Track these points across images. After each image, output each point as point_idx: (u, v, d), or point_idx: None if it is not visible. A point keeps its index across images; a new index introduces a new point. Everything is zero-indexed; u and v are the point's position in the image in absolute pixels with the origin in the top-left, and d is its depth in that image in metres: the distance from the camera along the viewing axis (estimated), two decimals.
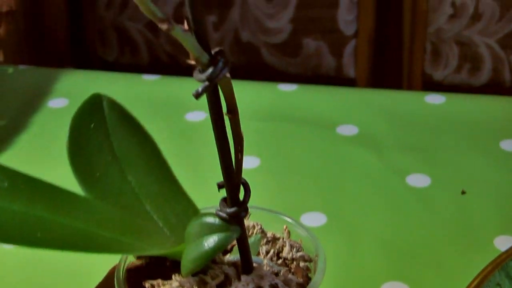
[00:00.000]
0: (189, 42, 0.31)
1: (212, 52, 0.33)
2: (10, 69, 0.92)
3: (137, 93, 0.86)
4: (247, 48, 1.21)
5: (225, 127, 0.36)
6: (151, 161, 0.41)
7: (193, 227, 0.38)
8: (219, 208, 0.37)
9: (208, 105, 0.35)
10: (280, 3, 1.16)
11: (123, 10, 1.21)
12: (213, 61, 0.33)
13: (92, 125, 0.41)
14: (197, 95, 0.32)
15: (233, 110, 0.35)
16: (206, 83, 0.32)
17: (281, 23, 1.17)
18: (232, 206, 0.37)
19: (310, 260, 0.43)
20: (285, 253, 0.42)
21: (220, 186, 0.39)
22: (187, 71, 1.25)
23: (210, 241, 0.36)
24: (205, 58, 0.32)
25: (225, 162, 0.37)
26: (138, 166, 0.40)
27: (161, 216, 0.40)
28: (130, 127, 0.41)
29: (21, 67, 0.93)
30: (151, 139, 0.42)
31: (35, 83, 0.89)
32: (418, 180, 0.70)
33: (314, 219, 0.66)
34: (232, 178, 0.37)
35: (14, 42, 1.08)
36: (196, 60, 0.32)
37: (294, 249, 0.43)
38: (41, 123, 0.82)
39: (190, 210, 0.41)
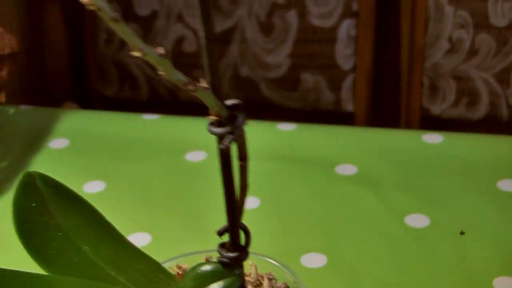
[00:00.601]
0: (210, 99, 0.33)
1: (229, 103, 0.35)
2: (12, 110, 0.92)
3: (137, 133, 0.87)
4: (246, 83, 1.22)
5: (233, 175, 0.37)
6: (98, 228, 0.42)
7: (192, 277, 0.38)
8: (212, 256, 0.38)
9: (220, 156, 0.36)
10: (278, 39, 1.17)
11: (123, 45, 1.22)
12: (232, 115, 0.34)
13: (34, 205, 0.42)
14: (226, 148, 0.34)
15: (244, 158, 0.37)
16: (230, 136, 0.34)
17: (279, 58, 1.18)
18: (234, 251, 0.38)
19: None
20: None
21: (220, 233, 0.39)
22: (186, 106, 1.26)
23: (218, 286, 0.37)
24: (225, 112, 0.34)
25: (230, 209, 0.38)
26: (89, 235, 0.41)
27: (126, 277, 0.40)
28: (68, 200, 0.42)
29: (22, 107, 0.93)
30: (91, 207, 0.43)
31: (36, 124, 0.90)
32: (417, 221, 0.71)
33: (314, 260, 0.66)
34: (237, 224, 0.38)
35: (16, 82, 1.09)
36: (217, 114, 0.34)
37: None
38: (42, 163, 0.82)
39: (152, 265, 0.42)
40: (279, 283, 0.43)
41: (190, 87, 0.33)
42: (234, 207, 0.38)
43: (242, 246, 0.38)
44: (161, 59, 0.31)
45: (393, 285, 0.62)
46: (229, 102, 0.35)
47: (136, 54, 0.30)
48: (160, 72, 0.31)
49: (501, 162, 0.78)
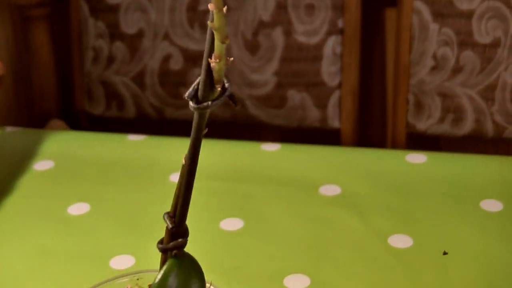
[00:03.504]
0: None
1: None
2: None
3: (122, 154, 0.87)
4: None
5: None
6: None
7: None
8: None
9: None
10: (264, 57, 1.17)
11: (109, 64, 1.23)
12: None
13: None
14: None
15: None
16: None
17: (265, 76, 1.18)
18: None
19: None
20: None
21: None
22: (173, 124, 1.25)
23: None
24: None
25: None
26: None
27: None
28: None
29: (8, 129, 0.94)
30: None
31: (21, 145, 0.90)
32: (400, 241, 0.71)
33: (297, 282, 0.66)
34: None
35: (2, 103, 1.09)
36: None
37: None
38: (27, 185, 0.82)
39: None
40: None
41: None
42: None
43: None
44: None
45: None
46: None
47: None
48: None
49: (484, 182, 0.79)
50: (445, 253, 0.69)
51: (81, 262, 0.70)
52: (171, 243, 0.38)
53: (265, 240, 0.72)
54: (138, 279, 0.44)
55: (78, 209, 0.78)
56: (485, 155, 0.85)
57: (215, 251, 0.71)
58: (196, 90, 0.38)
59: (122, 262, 0.69)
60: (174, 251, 0.38)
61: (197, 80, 0.39)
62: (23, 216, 0.77)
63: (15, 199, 0.80)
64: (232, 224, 0.74)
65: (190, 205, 0.78)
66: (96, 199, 0.79)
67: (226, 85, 0.38)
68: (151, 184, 0.82)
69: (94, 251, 0.71)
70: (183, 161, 0.39)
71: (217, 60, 0.36)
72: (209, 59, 0.37)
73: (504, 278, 0.65)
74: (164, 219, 0.37)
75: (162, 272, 0.38)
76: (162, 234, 0.69)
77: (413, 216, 0.74)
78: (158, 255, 0.70)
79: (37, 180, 0.83)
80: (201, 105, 0.38)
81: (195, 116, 0.40)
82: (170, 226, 0.37)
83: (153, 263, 0.69)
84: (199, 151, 0.38)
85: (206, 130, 0.39)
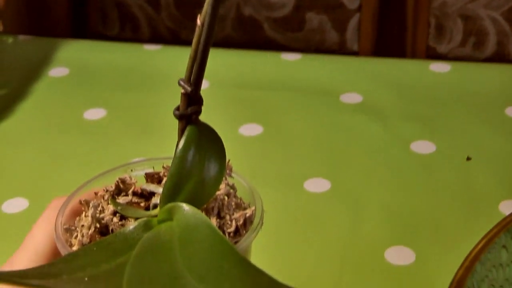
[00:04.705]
0: None
1: None
2: (10, 39, 0.91)
3: (138, 62, 0.86)
4: (249, 23, 1.19)
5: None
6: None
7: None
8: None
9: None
10: None
11: None
12: None
13: None
14: None
15: None
16: None
17: None
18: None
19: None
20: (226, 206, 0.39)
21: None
22: (187, 46, 1.24)
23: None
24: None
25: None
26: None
27: None
28: None
29: (21, 37, 0.92)
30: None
31: (35, 53, 0.88)
32: (423, 147, 0.69)
33: (317, 185, 0.65)
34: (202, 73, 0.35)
35: (14, 11, 1.07)
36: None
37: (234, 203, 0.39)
38: (42, 92, 0.81)
39: None
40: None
41: None
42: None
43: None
44: None
45: (397, 211, 0.61)
46: None
47: None
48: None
49: (509, 90, 0.77)
50: (468, 159, 0.67)
51: (96, 166, 0.68)
52: (189, 108, 0.35)
53: (285, 146, 0.71)
54: (131, 170, 0.42)
55: (94, 114, 0.76)
56: (510, 64, 0.83)
57: (234, 156, 0.69)
58: None
59: None
60: (193, 118, 0.36)
61: None
62: (39, 121, 0.76)
63: (30, 105, 0.78)
64: (251, 129, 0.73)
65: (207, 111, 0.78)
66: (112, 105, 0.78)
67: None
68: (166, 92, 0.80)
69: (110, 155, 0.70)
70: (199, 21, 0.36)
71: None
72: None
73: None
74: (179, 84, 0.34)
75: (183, 138, 0.36)
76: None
77: (436, 123, 0.73)
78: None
79: (52, 86, 0.82)
80: None
81: None
82: (188, 89, 0.34)
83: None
84: (218, 8, 0.36)
85: None
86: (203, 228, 0.31)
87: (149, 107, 0.78)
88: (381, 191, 0.64)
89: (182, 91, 0.35)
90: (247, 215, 0.37)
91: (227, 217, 0.37)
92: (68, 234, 0.37)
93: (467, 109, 0.75)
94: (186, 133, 0.36)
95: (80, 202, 0.38)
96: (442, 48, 1.12)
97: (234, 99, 0.78)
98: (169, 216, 0.33)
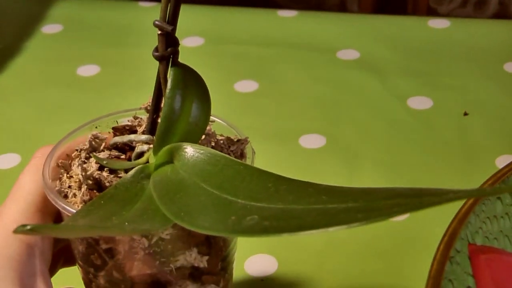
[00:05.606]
0: None
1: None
2: None
3: (133, 19, 0.85)
4: None
5: None
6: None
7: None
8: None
9: None
10: None
11: None
12: None
13: None
14: None
15: None
16: None
17: None
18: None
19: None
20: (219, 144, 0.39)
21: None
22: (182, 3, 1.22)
23: None
24: None
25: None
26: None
27: None
28: None
29: None
30: None
31: (28, 9, 0.87)
32: (420, 103, 0.69)
33: (313, 141, 0.64)
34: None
35: None
36: None
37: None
38: (36, 48, 0.80)
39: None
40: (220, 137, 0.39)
41: None
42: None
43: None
44: None
45: (394, 166, 0.61)
46: None
47: None
48: None
49: (508, 46, 0.76)
50: (465, 114, 0.66)
51: (90, 118, 0.68)
52: (169, 49, 0.35)
53: (280, 101, 0.70)
54: (97, 127, 0.41)
55: (87, 70, 0.75)
56: (510, 20, 0.81)
57: (230, 112, 0.68)
58: None
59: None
60: (174, 59, 0.35)
61: None
62: (32, 77, 0.75)
63: (23, 61, 0.77)
64: (246, 85, 0.72)
65: (202, 67, 0.77)
66: (106, 61, 0.77)
67: None
68: None
69: (103, 111, 0.69)
70: None
71: None
72: None
73: None
74: (155, 25, 0.33)
75: (170, 80, 0.35)
76: None
77: (433, 79, 0.72)
78: None
79: (45, 43, 0.81)
80: None
81: None
82: (169, 28, 0.33)
83: None
84: None
85: None
86: (210, 159, 0.31)
87: (142, 64, 0.77)
88: (377, 147, 0.63)
89: (159, 32, 0.34)
90: (243, 145, 0.37)
91: (224, 151, 0.37)
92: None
93: (465, 64, 0.74)
94: (171, 74, 0.35)
95: (58, 165, 0.37)
96: (443, 9, 1.11)
97: (229, 55, 0.77)
98: (168, 159, 0.33)
